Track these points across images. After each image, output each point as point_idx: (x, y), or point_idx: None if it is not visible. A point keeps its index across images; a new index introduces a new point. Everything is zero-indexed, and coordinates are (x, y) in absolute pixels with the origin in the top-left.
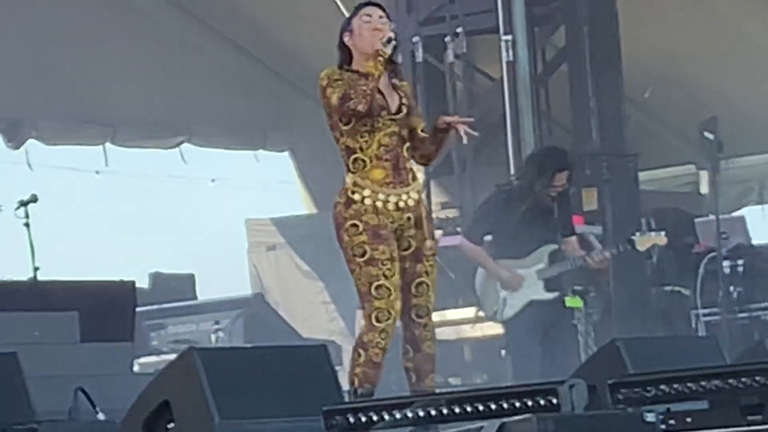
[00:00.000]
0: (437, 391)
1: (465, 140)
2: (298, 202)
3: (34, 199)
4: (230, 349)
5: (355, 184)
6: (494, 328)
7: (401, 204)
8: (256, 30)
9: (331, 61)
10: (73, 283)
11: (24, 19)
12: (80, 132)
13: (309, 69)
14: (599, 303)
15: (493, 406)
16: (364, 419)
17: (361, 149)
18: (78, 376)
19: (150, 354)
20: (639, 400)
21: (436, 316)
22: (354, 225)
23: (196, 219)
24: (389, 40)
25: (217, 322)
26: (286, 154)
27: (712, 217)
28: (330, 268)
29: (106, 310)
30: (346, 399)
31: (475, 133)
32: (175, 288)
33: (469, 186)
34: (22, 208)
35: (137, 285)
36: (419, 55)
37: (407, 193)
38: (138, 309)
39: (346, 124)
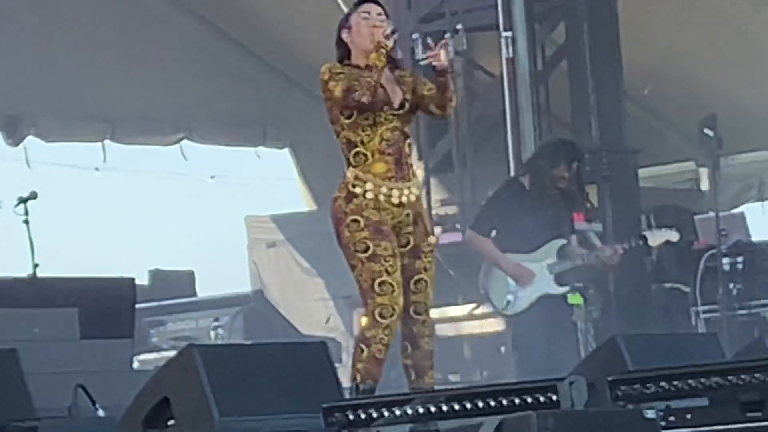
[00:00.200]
0: (436, 388)
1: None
2: (298, 199)
3: (33, 195)
4: (230, 345)
5: (356, 177)
6: (494, 325)
7: (402, 199)
8: (256, 26)
9: (331, 57)
10: (72, 279)
11: (23, 16)
12: (79, 129)
13: (309, 65)
14: (599, 300)
15: (492, 403)
16: (363, 416)
17: (363, 143)
18: (78, 373)
19: (150, 351)
20: (639, 397)
21: (435, 313)
22: (355, 220)
23: (195, 216)
24: (393, 32)
25: (216, 319)
26: (286, 150)
27: (711, 214)
28: (330, 265)
29: (105, 307)
30: (347, 395)
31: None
32: (175, 285)
33: (468, 183)
34: (22, 205)
35: (137, 282)
36: (419, 52)
37: (408, 188)
38: (137, 306)
39: (348, 117)
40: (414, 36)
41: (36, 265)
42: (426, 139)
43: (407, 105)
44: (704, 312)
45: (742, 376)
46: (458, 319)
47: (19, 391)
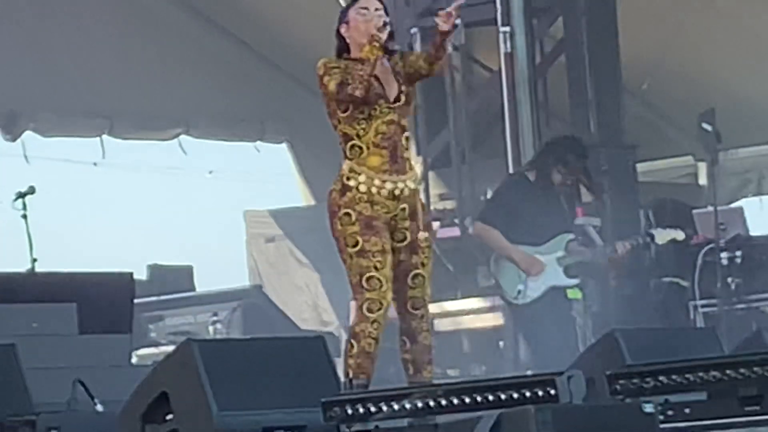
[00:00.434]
0: (435, 382)
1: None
2: (296, 194)
3: (31, 190)
4: (228, 340)
5: (351, 170)
6: (493, 319)
7: (396, 192)
8: (254, 21)
9: (330, 52)
10: (71, 274)
11: (21, 11)
12: (78, 124)
13: (307, 60)
14: (598, 294)
15: (491, 398)
16: (362, 410)
17: (358, 136)
18: (76, 368)
19: (148, 346)
20: (637, 391)
21: (433, 308)
22: (347, 214)
23: (194, 211)
24: (384, 24)
25: (215, 314)
26: (284, 145)
27: (710, 208)
28: (328, 259)
29: (104, 302)
30: (343, 390)
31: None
32: (174, 280)
33: (467, 177)
34: (20, 200)
35: (135, 277)
36: (417, 47)
37: (403, 181)
38: (136, 301)
39: (344, 111)
40: (412, 31)
41: (34, 260)
42: (424, 134)
43: (403, 98)
44: (702, 306)
45: (741, 371)
46: (457, 314)
47: (18, 386)
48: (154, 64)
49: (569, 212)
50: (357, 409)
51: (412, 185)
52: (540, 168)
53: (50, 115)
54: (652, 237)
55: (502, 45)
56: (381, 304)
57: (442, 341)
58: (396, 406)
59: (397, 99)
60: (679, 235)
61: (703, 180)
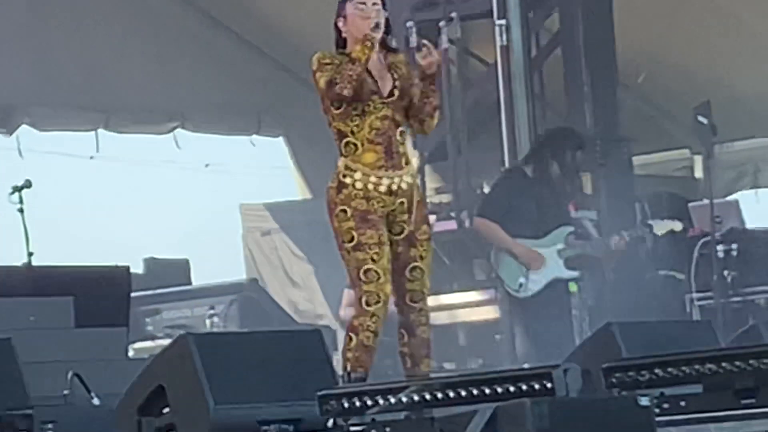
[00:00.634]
0: (432, 375)
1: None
2: (292, 188)
3: (28, 184)
4: (225, 334)
5: (346, 167)
6: (489, 313)
7: (393, 187)
8: (251, 14)
9: (327, 45)
10: (67, 268)
11: (16, 5)
12: (73, 118)
13: (304, 54)
14: (594, 287)
15: (487, 391)
16: (358, 404)
17: (352, 133)
18: (73, 362)
19: (145, 339)
20: (633, 384)
21: (430, 301)
22: (343, 210)
23: (190, 204)
24: (377, 25)
25: (211, 307)
26: (280, 139)
27: (706, 201)
28: (324, 253)
29: (100, 296)
30: (340, 383)
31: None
32: (170, 273)
33: (463, 171)
34: (16, 194)
35: (132, 270)
36: (413, 40)
37: (400, 176)
38: (133, 294)
39: (338, 107)
40: (408, 24)
41: (31, 254)
42: None
43: (397, 93)
44: (699, 299)
45: (737, 363)
46: (453, 307)
47: (15, 380)
48: (150, 57)
49: (567, 205)
50: (353, 403)
51: (409, 180)
52: (537, 161)
53: (46, 109)
54: (651, 228)
55: (497, 38)
56: (379, 297)
57: (438, 334)
58: (392, 400)
59: (391, 94)
60: (677, 226)
61: (698, 173)
